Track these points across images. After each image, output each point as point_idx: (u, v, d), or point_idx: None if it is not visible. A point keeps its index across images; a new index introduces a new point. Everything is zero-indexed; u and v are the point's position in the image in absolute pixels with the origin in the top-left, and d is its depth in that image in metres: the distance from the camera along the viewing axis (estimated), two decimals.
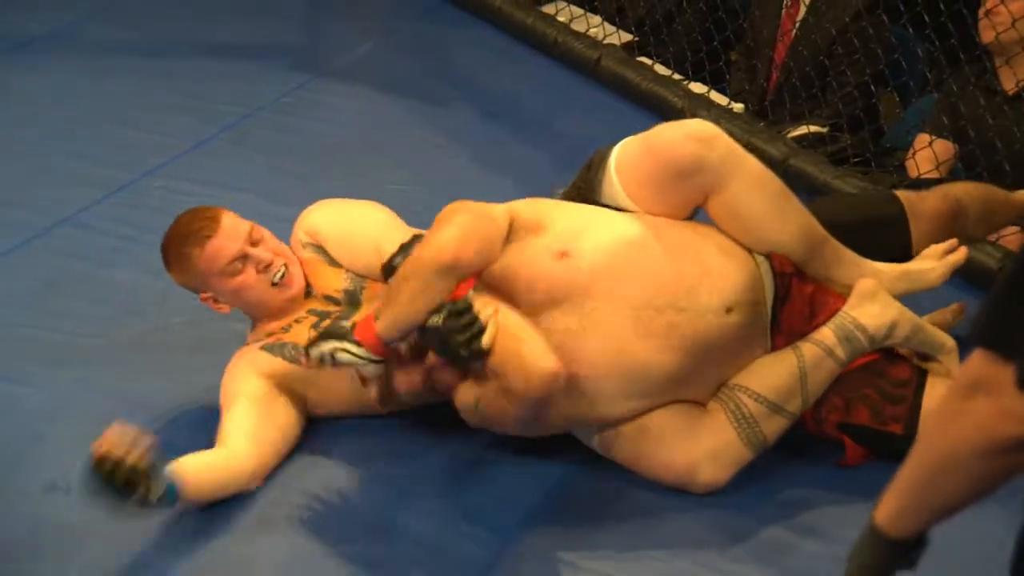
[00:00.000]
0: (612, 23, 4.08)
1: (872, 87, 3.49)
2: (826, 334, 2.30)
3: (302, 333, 2.45)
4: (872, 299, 2.32)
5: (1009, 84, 3.11)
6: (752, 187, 2.29)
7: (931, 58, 3.58)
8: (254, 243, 2.46)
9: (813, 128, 3.52)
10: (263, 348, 2.47)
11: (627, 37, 4.01)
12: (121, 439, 2.06)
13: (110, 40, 4.18)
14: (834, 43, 3.52)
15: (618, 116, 3.66)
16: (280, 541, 2.25)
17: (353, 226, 2.54)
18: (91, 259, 3.04)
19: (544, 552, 2.23)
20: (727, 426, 2.28)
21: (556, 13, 4.17)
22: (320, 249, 2.56)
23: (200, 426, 2.48)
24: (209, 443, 2.38)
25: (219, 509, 2.32)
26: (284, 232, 3.11)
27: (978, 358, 1.16)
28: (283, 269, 2.48)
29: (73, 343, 2.75)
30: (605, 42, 3.96)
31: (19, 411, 2.54)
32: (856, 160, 3.37)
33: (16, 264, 3.04)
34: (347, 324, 2.20)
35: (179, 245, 2.44)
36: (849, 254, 2.38)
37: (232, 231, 2.43)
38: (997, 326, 1.16)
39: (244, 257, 2.44)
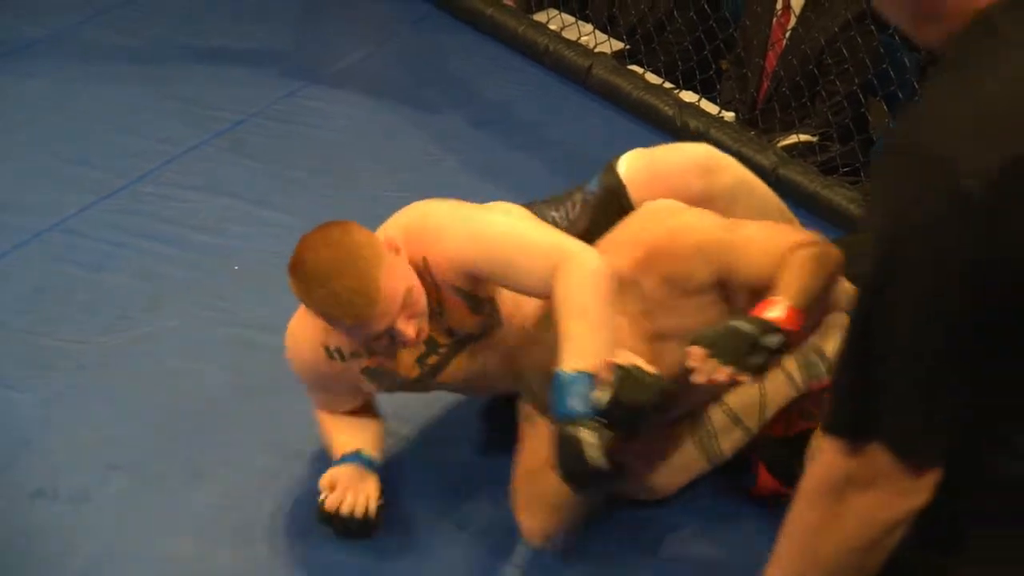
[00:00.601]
0: (603, 31, 4.09)
1: (861, 96, 3.51)
2: (788, 360, 2.27)
3: (406, 360, 2.26)
4: (839, 329, 2.29)
5: None
6: (756, 216, 2.29)
7: (919, 67, 3.60)
8: (405, 306, 2.11)
9: (803, 137, 3.53)
10: (363, 372, 2.29)
11: (618, 46, 4.03)
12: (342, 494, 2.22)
13: (105, 45, 4.19)
14: (823, 53, 3.54)
15: (609, 124, 3.68)
16: (268, 547, 2.27)
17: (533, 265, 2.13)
18: (82, 264, 3.05)
19: (534, 561, 2.24)
20: (684, 433, 2.28)
21: (548, 21, 4.19)
22: (468, 295, 2.22)
23: (191, 431, 2.49)
24: (201, 446, 2.40)
25: (208, 514, 2.33)
26: (274, 235, 3.13)
27: (833, 455, 1.11)
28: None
29: (63, 348, 2.76)
30: (596, 50, 3.97)
31: (8, 416, 2.55)
32: (846, 169, 3.39)
33: (7, 269, 3.05)
34: (760, 332, 1.94)
35: (328, 305, 2.09)
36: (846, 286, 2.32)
37: (389, 306, 2.08)
38: (849, 410, 1.11)
39: (390, 331, 2.12)
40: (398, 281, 2.09)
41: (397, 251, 2.14)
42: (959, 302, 1.05)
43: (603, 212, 2.38)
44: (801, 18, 3.63)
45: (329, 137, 3.67)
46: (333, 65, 4.08)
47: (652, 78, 3.83)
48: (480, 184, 3.41)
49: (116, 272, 3.01)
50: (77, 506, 2.34)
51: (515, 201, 2.47)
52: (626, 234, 2.24)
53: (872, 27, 3.51)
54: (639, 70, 3.88)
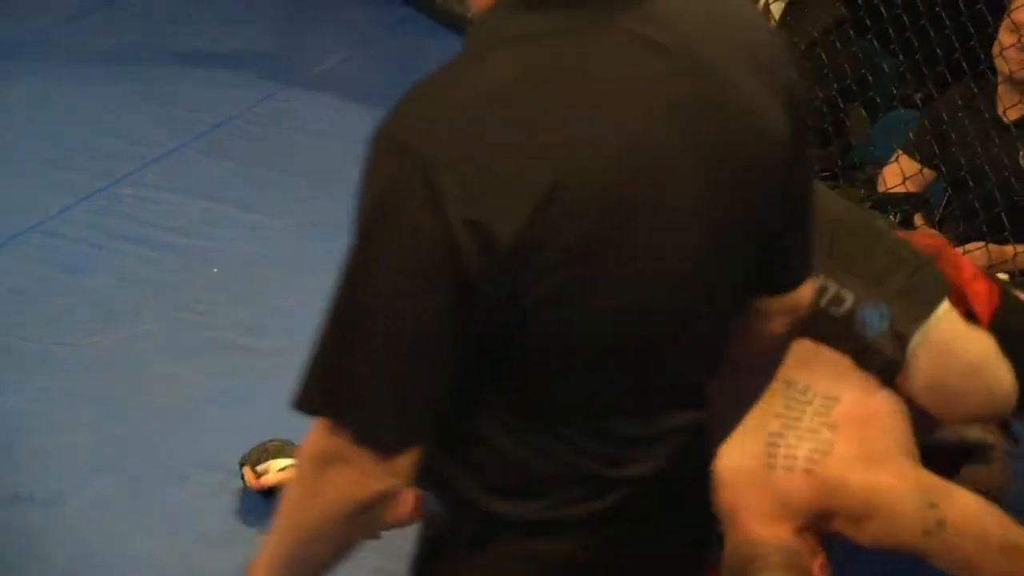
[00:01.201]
0: None
1: (840, 102, 3.52)
2: None
3: None
4: None
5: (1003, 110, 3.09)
6: None
7: (898, 73, 3.62)
8: None
9: None
10: None
11: None
12: None
13: (85, 47, 4.17)
14: (802, 58, 3.56)
15: None
16: (252, 549, 2.26)
17: None
18: (62, 266, 3.03)
19: None
20: None
21: None
22: None
23: (173, 433, 2.49)
24: (182, 448, 2.38)
25: (190, 516, 2.33)
26: (255, 237, 3.13)
27: (317, 431, 1.12)
28: None
29: (45, 351, 2.74)
30: None
31: None
32: (824, 174, 3.39)
33: None
34: None
35: None
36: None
37: None
38: (321, 392, 1.10)
39: None
40: None
41: None
42: (433, 290, 1.05)
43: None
44: (780, 23, 3.64)
45: (309, 140, 3.67)
46: (313, 68, 4.07)
47: None
48: None
49: (96, 274, 3.00)
50: (56, 509, 2.33)
51: None
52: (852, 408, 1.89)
53: (851, 32, 3.53)
54: None
